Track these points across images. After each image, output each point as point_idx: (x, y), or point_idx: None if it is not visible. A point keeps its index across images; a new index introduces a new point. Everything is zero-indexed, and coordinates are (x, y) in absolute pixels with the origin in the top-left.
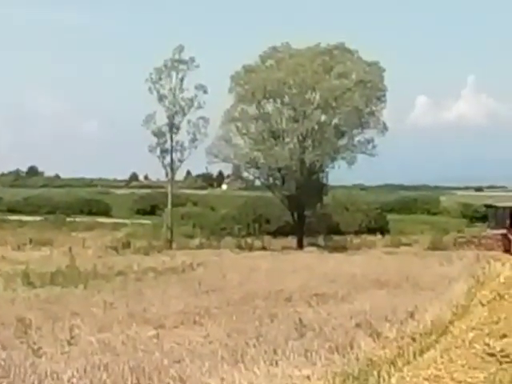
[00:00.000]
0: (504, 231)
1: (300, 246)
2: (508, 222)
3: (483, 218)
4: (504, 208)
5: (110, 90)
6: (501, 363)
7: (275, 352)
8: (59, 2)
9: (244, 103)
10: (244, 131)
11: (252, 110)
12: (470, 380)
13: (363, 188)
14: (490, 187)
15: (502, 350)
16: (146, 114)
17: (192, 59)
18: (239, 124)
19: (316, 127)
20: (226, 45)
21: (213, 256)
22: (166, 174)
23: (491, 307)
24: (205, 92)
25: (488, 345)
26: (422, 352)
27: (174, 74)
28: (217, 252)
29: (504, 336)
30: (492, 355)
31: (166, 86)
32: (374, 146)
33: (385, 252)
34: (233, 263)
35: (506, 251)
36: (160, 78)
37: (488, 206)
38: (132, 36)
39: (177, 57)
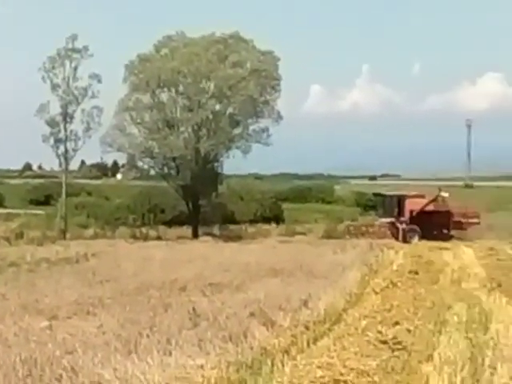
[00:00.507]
0: (392, 219)
1: (195, 235)
2: (396, 210)
3: (376, 207)
4: (392, 196)
5: (2, 78)
6: (393, 350)
7: (169, 342)
8: None
9: (138, 92)
10: (138, 120)
11: (146, 99)
12: (362, 367)
13: (258, 177)
14: (384, 176)
15: (394, 338)
16: (39, 103)
17: (86, 48)
18: (133, 113)
19: (211, 116)
20: (120, 34)
21: (107, 246)
22: (60, 164)
23: (384, 295)
24: (99, 81)
25: (380, 332)
26: (315, 340)
27: (67, 62)
28: (111, 242)
29: (396, 323)
30: (384, 342)
31: (60, 75)
32: (268, 135)
33: (279, 241)
34: (127, 253)
35: (395, 239)
36: (53, 67)
37: (376, 195)
38: (26, 25)
39: (70, 46)
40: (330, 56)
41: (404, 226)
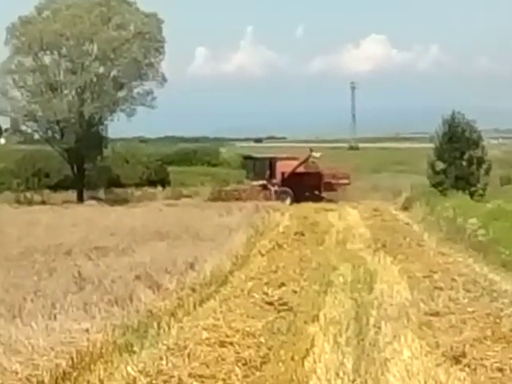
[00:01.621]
0: (264, 182)
1: (80, 199)
2: (268, 172)
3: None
4: (263, 159)
5: None
6: (279, 311)
7: (54, 306)
8: None
9: (20, 55)
10: (21, 84)
11: (29, 62)
12: (248, 329)
13: (143, 140)
14: (270, 138)
15: (280, 299)
16: None
17: None
18: (16, 76)
19: (94, 79)
20: None
21: None
22: None
23: (270, 257)
24: None
25: (266, 294)
26: (201, 302)
27: None
28: None
29: (282, 285)
30: (270, 304)
31: None
32: (153, 98)
33: (165, 204)
34: (11, 218)
35: (268, 200)
36: None
37: (246, 158)
38: None
39: None
40: (214, 18)
41: (276, 188)
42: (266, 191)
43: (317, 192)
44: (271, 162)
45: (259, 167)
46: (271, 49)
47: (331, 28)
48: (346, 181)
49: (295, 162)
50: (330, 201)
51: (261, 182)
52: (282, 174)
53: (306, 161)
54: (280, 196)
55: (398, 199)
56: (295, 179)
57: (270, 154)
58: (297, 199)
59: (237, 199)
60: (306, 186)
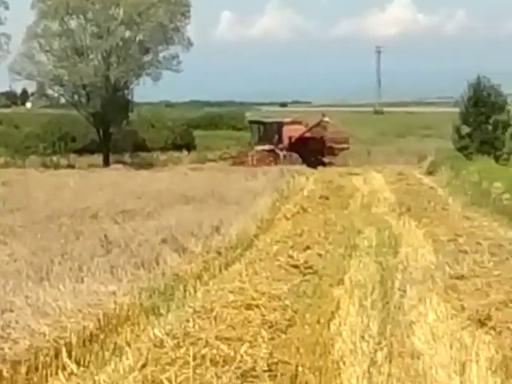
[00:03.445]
0: (271, 147)
1: (106, 163)
2: (276, 137)
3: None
4: (270, 124)
5: None
6: (304, 274)
7: (81, 269)
8: None
9: (47, 19)
10: (47, 48)
11: (55, 26)
12: (273, 292)
13: (169, 104)
14: (295, 102)
15: (305, 262)
16: None
17: None
18: (42, 40)
19: (120, 43)
20: None
21: (18, 175)
22: None
23: (295, 220)
24: (6, 8)
25: (292, 257)
26: (227, 266)
27: None
28: (22, 171)
29: (307, 248)
30: (296, 267)
31: None
32: (179, 62)
33: (191, 168)
34: (38, 182)
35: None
36: None
37: (253, 122)
38: None
39: None
40: None
41: (284, 152)
42: (275, 155)
43: (319, 156)
44: (279, 127)
45: (266, 131)
46: (297, 12)
47: None
48: (345, 145)
49: (300, 127)
50: (330, 164)
51: (267, 147)
52: (290, 138)
53: (317, 125)
54: (288, 160)
55: (422, 163)
56: (301, 144)
57: (277, 118)
58: (302, 163)
59: (242, 163)
60: (311, 150)
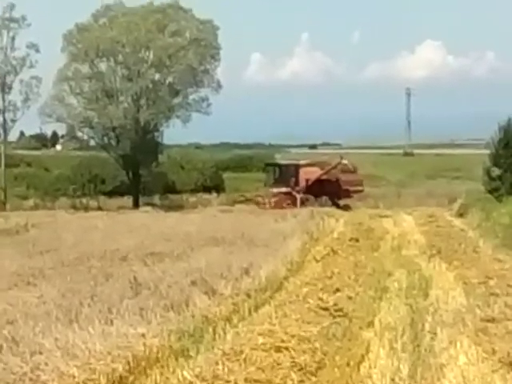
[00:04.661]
0: (288, 189)
1: (136, 205)
2: (293, 179)
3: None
4: (287, 166)
5: None
6: (334, 317)
7: (110, 311)
8: None
9: (77, 62)
10: (77, 90)
11: (85, 69)
12: (303, 334)
13: (199, 147)
14: (325, 144)
15: (335, 304)
16: None
17: (23, 17)
18: (72, 83)
19: (150, 86)
20: (58, 3)
21: (47, 217)
22: None
23: (325, 262)
24: (37, 51)
25: (321, 299)
26: (256, 308)
27: (4, 32)
28: (51, 213)
29: (337, 290)
30: (325, 309)
31: None
32: (208, 105)
33: (220, 210)
34: (68, 224)
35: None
36: None
37: (269, 164)
38: None
39: (7, 15)
40: (269, 24)
41: (301, 195)
42: (292, 198)
43: (335, 199)
44: (296, 169)
45: (282, 174)
46: (326, 55)
47: (387, 34)
48: (360, 187)
49: (316, 169)
50: (346, 207)
51: (284, 189)
52: (307, 180)
53: (335, 168)
54: (305, 203)
55: (453, 205)
56: (318, 186)
57: (292, 160)
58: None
59: (257, 204)
60: (327, 192)
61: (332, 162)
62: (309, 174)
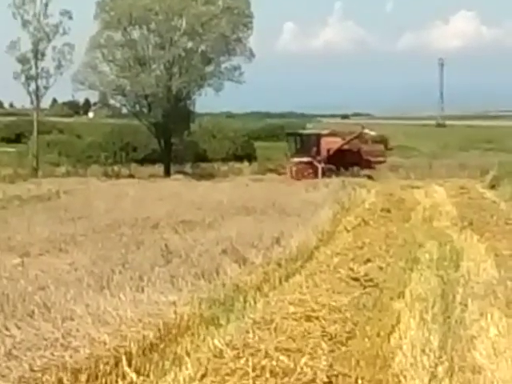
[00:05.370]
0: (309, 159)
1: (167, 173)
2: (315, 149)
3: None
4: (309, 135)
5: None
6: (364, 287)
7: (141, 278)
8: None
9: (110, 30)
10: (110, 58)
11: (118, 36)
12: (334, 304)
13: (230, 115)
14: (356, 114)
15: (365, 275)
16: (9, 40)
17: None
18: (105, 51)
19: (183, 54)
20: None
21: (79, 184)
22: (32, 102)
23: (356, 233)
24: (70, 18)
25: (352, 269)
26: (287, 277)
27: None
28: (83, 180)
29: (368, 261)
30: (356, 280)
31: (30, 11)
32: (240, 73)
33: (252, 179)
34: (99, 191)
35: (316, 177)
36: (24, 3)
37: (290, 134)
38: None
39: None
40: None
41: (323, 164)
42: (314, 167)
43: (356, 169)
44: (317, 139)
45: (304, 143)
46: (359, 25)
47: (420, 4)
48: (382, 158)
49: (338, 139)
50: (370, 178)
51: (305, 159)
52: (328, 150)
53: (356, 138)
54: (326, 173)
55: (485, 177)
56: (339, 156)
57: (315, 130)
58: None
59: (279, 174)
60: (348, 163)
61: (354, 132)
62: (330, 143)
